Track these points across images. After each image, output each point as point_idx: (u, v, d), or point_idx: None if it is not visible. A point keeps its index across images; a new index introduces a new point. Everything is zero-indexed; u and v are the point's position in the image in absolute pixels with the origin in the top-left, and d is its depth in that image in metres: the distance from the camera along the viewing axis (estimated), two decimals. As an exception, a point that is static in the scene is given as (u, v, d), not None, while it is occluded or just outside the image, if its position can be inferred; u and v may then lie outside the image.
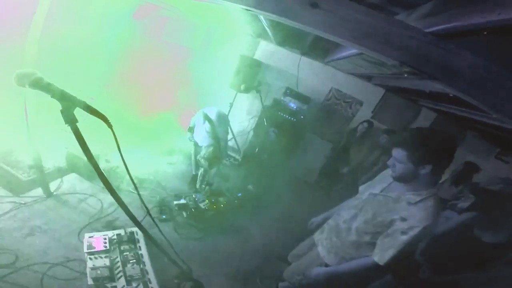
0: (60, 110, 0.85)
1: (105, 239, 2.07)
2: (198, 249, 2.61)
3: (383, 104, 4.36)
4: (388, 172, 1.58)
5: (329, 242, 1.72)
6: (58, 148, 3.11)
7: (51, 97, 0.85)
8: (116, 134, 1.05)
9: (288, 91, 4.25)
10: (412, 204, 1.34)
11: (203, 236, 2.79)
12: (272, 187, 4.29)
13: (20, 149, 2.82)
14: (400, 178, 1.44)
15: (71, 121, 0.87)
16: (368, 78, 4.05)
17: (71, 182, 2.79)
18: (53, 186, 2.59)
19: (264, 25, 2.93)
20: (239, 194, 3.61)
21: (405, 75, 2.48)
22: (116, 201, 1.15)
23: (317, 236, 1.91)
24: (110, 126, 0.98)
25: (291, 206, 3.90)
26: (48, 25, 2.21)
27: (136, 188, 1.21)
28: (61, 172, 2.85)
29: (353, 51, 2.27)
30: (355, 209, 1.63)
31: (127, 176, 1.26)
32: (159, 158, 3.98)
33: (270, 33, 3.33)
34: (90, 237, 2.05)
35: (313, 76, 4.48)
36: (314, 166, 4.63)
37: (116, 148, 1.08)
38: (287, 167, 4.78)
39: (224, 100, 4.59)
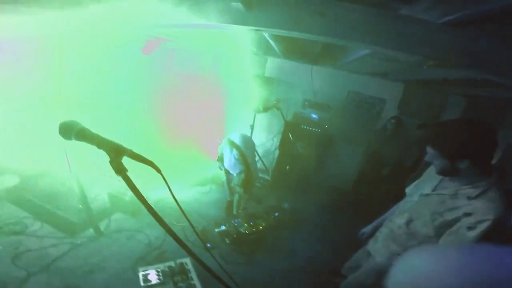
0: (109, 161, 0.85)
1: (158, 272, 2.19)
2: (245, 273, 2.66)
3: (407, 98, 4.32)
4: (434, 169, 1.55)
5: (387, 250, 1.69)
6: (101, 189, 3.42)
7: (97, 148, 0.85)
8: (157, 173, 1.00)
9: (306, 103, 4.36)
10: (472, 198, 1.27)
11: (249, 260, 2.84)
12: (308, 201, 4.29)
13: (67, 194, 3.15)
14: (443, 174, 1.41)
15: (121, 171, 0.85)
16: (384, 74, 4.08)
17: (118, 221, 3.05)
18: (102, 225, 2.83)
19: (271, 42, 3.10)
20: (276, 214, 3.64)
21: (424, 67, 2.55)
22: (170, 234, 1.16)
23: (371, 246, 1.88)
24: (159, 171, 0.99)
25: (331, 218, 3.84)
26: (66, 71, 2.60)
27: (189, 221, 1.21)
28: (107, 212, 3.12)
29: (365, 51, 2.36)
30: (408, 212, 1.60)
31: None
32: (193, 189, 4.18)
33: (277, 49, 3.51)
34: (144, 271, 2.20)
35: (328, 83, 4.57)
36: (349, 173, 4.57)
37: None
38: (321, 178, 4.79)
39: (244, 122, 4.80)
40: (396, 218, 1.70)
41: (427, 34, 1.45)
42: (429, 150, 1.38)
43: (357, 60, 2.83)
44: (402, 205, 1.75)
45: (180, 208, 1.17)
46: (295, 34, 2.00)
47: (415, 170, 3.58)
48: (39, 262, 2.27)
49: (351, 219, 3.31)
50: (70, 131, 0.86)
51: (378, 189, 4.20)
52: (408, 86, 4.25)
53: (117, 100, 4.51)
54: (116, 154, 0.85)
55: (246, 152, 3.20)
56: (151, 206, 0.88)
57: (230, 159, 3.19)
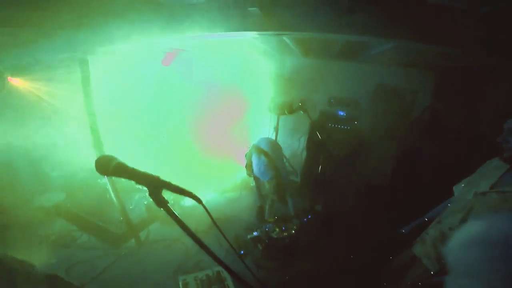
0: (148, 194, 0.87)
1: (196, 280, 2.26)
2: (279, 279, 2.66)
3: (441, 86, 3.97)
4: (491, 165, 1.46)
5: (437, 253, 1.60)
6: (139, 200, 3.64)
7: (136, 183, 0.86)
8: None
9: (332, 100, 4.25)
10: None
11: (282, 265, 2.83)
12: (341, 201, 4.16)
13: (109, 206, 3.38)
14: None
15: (162, 204, 0.86)
16: (414, 64, 3.81)
17: (156, 230, 3.21)
18: (142, 235, 3.00)
19: (289, 44, 3.04)
20: (309, 217, 3.58)
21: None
22: (203, 248, 1.18)
23: (418, 248, 1.78)
24: (199, 201, 0.99)
25: (367, 218, 3.68)
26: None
27: (221, 232, 1.21)
28: (145, 222, 3.30)
29: (391, 44, 2.24)
30: (462, 212, 1.50)
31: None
32: (224, 195, 4.27)
33: (295, 49, 3.42)
34: (184, 279, 2.28)
35: (353, 77, 4.38)
36: (383, 170, 4.34)
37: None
38: (354, 176, 4.61)
39: (268, 124, 4.79)
40: (446, 219, 1.60)
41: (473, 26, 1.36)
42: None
43: (383, 53, 2.70)
44: (453, 205, 1.65)
45: (214, 221, 1.16)
46: (320, 36, 1.95)
47: (461, 165, 3.30)
48: (89, 274, 2.48)
49: (388, 218, 3.15)
50: (107, 167, 0.88)
51: (415, 186, 3.93)
52: (441, 74, 3.93)
53: (145, 113, 4.75)
54: (155, 187, 0.87)
55: (274, 157, 3.19)
56: (194, 234, 0.89)
57: (259, 166, 3.20)
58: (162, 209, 0.87)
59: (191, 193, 0.95)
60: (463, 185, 1.64)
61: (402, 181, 4.06)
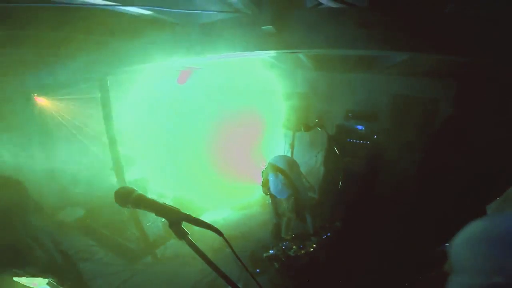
0: (169, 226, 0.86)
1: (210, 299, 2.20)
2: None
3: (462, 94, 3.77)
4: None
5: None
6: (156, 218, 3.65)
7: (155, 215, 0.86)
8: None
9: (350, 114, 4.12)
10: None
11: (299, 284, 2.69)
12: (362, 217, 3.97)
13: (126, 223, 3.43)
14: None
15: (182, 235, 0.85)
16: (433, 73, 3.69)
17: (173, 247, 3.21)
18: (159, 252, 3.00)
19: (301, 57, 3.04)
20: (328, 234, 3.43)
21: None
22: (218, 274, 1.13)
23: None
24: (220, 234, 0.95)
25: (392, 235, 3.47)
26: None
27: (239, 259, 1.16)
28: (162, 239, 3.30)
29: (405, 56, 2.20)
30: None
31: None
32: (239, 213, 4.22)
33: (307, 62, 3.41)
34: (198, 297, 2.22)
35: (369, 89, 4.30)
36: (407, 184, 4.11)
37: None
38: (376, 191, 4.41)
39: (284, 141, 4.76)
40: None
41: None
42: None
43: (400, 63, 2.65)
44: (488, 231, 1.51)
45: (236, 256, 1.10)
46: (336, 52, 1.95)
47: (496, 180, 3.03)
48: (105, 289, 2.47)
49: (416, 234, 2.96)
50: (127, 198, 0.88)
51: (444, 202, 3.67)
52: (464, 81, 3.74)
53: (162, 130, 4.87)
54: (176, 220, 0.87)
55: (291, 175, 3.15)
56: (216, 265, 0.86)
57: (276, 184, 3.15)
58: (183, 241, 0.85)
59: (211, 225, 0.92)
60: (498, 203, 1.50)
61: (428, 196, 3.82)
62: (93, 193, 3.85)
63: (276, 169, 3.17)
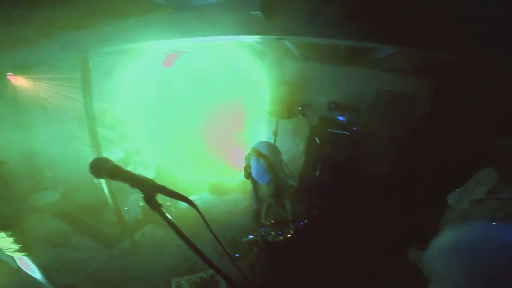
0: (142, 198, 0.85)
1: (190, 282, 2.23)
2: (274, 283, 2.63)
3: (440, 93, 3.98)
4: (484, 173, 1.48)
5: None
6: (134, 202, 3.60)
7: (130, 186, 0.84)
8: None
9: (332, 105, 4.21)
10: None
11: (277, 269, 2.79)
12: (339, 206, 4.15)
13: (103, 207, 3.35)
14: None
15: (156, 208, 0.85)
16: (415, 71, 3.84)
17: (151, 232, 3.18)
18: (137, 237, 2.97)
19: (289, 47, 3.04)
20: (305, 221, 3.56)
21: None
22: (195, 252, 1.15)
23: (412, 253, 1.75)
24: (194, 206, 0.97)
25: (365, 224, 3.66)
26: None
27: (217, 239, 1.19)
28: (140, 224, 3.26)
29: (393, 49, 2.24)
30: (458, 220, 1.51)
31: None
32: (220, 199, 4.25)
33: (295, 52, 3.42)
34: (177, 282, 2.26)
35: (354, 83, 4.40)
36: (383, 176, 4.31)
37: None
38: (352, 182, 4.61)
39: (267, 128, 4.79)
40: (446, 230, 1.58)
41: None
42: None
43: (385, 58, 2.70)
44: (448, 213, 1.64)
45: (212, 231, 1.13)
46: (322, 41, 1.95)
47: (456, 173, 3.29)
48: (81, 274, 2.44)
49: (387, 224, 3.14)
50: (101, 169, 0.86)
51: (414, 194, 3.92)
52: (442, 81, 3.94)
53: (145, 113, 4.76)
54: (150, 191, 0.85)
55: (273, 160, 3.19)
56: (187, 237, 0.86)
57: (257, 169, 3.20)
58: (156, 213, 0.85)
59: (186, 197, 0.93)
60: (457, 193, 1.64)
61: (399, 187, 4.06)
62: (69, 176, 3.71)
63: (259, 154, 3.21)
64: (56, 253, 2.67)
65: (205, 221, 1.04)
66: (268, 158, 3.18)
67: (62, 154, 3.68)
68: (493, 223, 0.91)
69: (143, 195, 0.85)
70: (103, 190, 2.90)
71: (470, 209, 1.47)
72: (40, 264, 2.39)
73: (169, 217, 0.85)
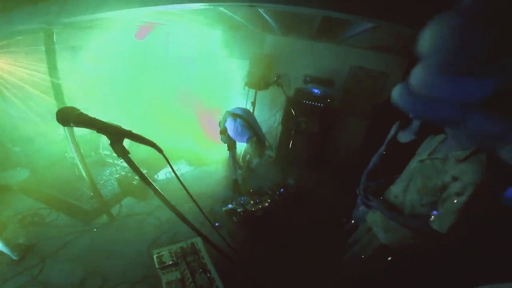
0: (109, 144, 0.86)
1: (170, 253, 2.29)
2: (253, 250, 2.78)
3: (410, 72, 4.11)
4: (436, 137, 1.54)
5: (384, 220, 1.68)
6: (110, 175, 3.52)
7: (97, 132, 0.84)
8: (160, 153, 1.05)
9: (308, 78, 4.26)
10: (461, 161, 1.23)
11: (256, 236, 2.96)
12: (313, 176, 4.35)
13: (78, 182, 3.25)
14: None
15: (123, 154, 0.86)
16: (389, 49, 3.87)
17: (129, 205, 3.18)
18: (114, 211, 2.95)
19: (267, 19, 2.94)
20: (281, 190, 3.71)
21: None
22: (178, 216, 1.17)
23: (370, 217, 1.88)
24: (160, 151, 0.98)
25: (337, 192, 3.92)
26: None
27: (194, 201, 1.25)
28: (117, 197, 3.23)
29: (367, 26, 2.21)
30: (405, 181, 1.57)
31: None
32: (199, 169, 4.27)
33: (274, 26, 3.34)
34: (158, 253, 2.31)
35: (329, 58, 4.45)
36: (354, 147, 4.54)
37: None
38: (326, 153, 4.80)
39: (245, 99, 4.74)
40: (393, 187, 1.68)
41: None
42: None
43: (359, 35, 2.66)
44: (402, 174, 1.70)
45: (185, 187, 1.19)
46: (292, 9, 1.86)
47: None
48: (60, 251, 2.43)
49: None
50: (68, 117, 0.83)
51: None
52: (413, 60, 4.00)
53: (117, 86, 4.50)
54: (117, 137, 0.85)
55: (249, 120, 3.26)
56: (156, 188, 0.89)
57: (236, 128, 3.20)
58: (123, 159, 0.87)
59: (151, 142, 0.95)
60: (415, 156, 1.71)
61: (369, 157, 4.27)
62: (38, 152, 3.50)
63: (234, 115, 3.23)
64: (32, 232, 2.61)
65: (172, 168, 1.10)
66: (244, 117, 3.22)
67: (27, 129, 3.45)
68: None
69: (109, 141, 0.85)
70: (76, 165, 2.78)
71: (414, 170, 1.54)
72: (16, 244, 2.35)
73: (136, 165, 0.87)
